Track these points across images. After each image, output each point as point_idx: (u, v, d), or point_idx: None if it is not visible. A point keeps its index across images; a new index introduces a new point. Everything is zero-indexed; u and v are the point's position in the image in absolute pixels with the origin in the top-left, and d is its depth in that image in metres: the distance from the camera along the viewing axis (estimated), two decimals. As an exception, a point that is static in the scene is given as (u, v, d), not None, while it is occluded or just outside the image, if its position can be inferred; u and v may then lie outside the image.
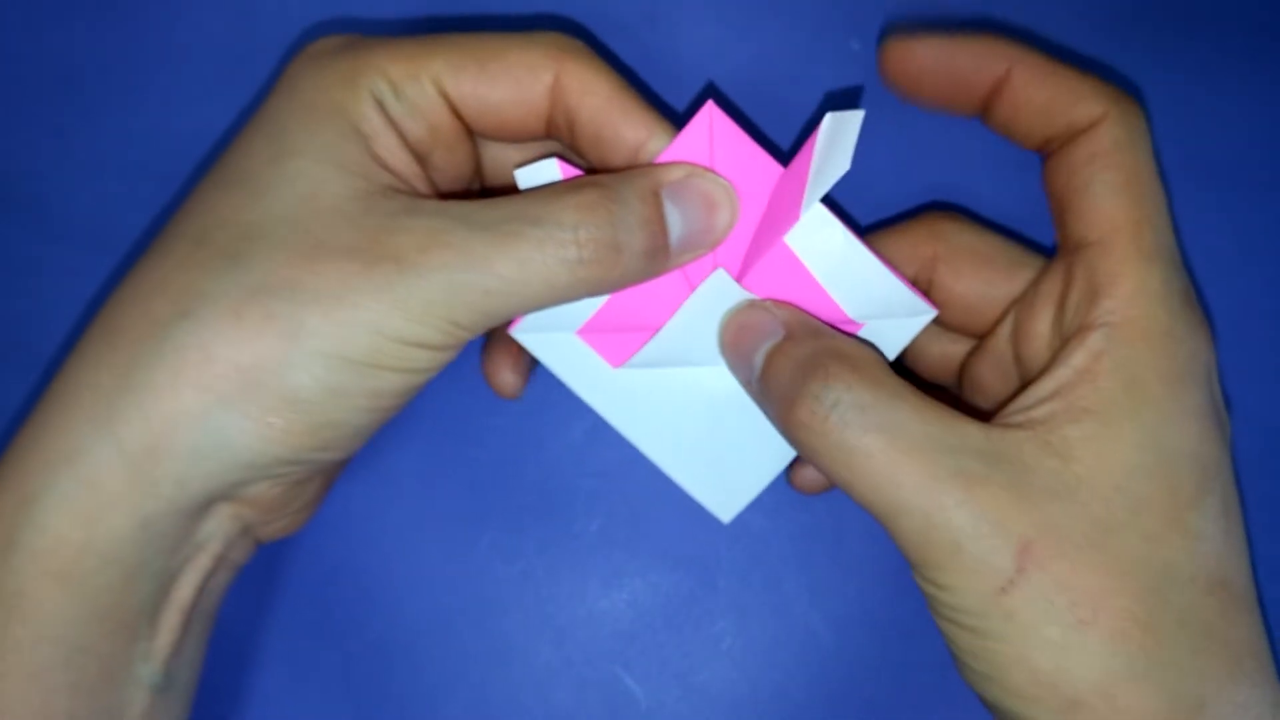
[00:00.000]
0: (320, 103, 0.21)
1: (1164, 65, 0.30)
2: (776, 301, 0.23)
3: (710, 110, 0.23)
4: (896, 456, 0.19)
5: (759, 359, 0.22)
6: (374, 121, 0.21)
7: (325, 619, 0.28)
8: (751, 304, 0.23)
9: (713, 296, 0.23)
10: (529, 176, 0.23)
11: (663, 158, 0.23)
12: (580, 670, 0.27)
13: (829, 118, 0.22)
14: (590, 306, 0.24)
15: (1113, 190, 0.21)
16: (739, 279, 0.23)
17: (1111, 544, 0.19)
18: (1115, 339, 0.20)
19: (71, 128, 0.30)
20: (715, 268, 0.23)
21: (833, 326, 0.23)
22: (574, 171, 0.23)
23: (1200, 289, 0.28)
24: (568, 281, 0.20)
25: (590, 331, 0.24)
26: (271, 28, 0.31)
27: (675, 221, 0.22)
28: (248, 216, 0.20)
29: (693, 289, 0.24)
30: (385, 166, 0.21)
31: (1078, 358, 0.20)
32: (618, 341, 0.24)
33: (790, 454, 0.24)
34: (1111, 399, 0.20)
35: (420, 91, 0.22)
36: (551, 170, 0.23)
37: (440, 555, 0.27)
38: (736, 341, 0.23)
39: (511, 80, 0.22)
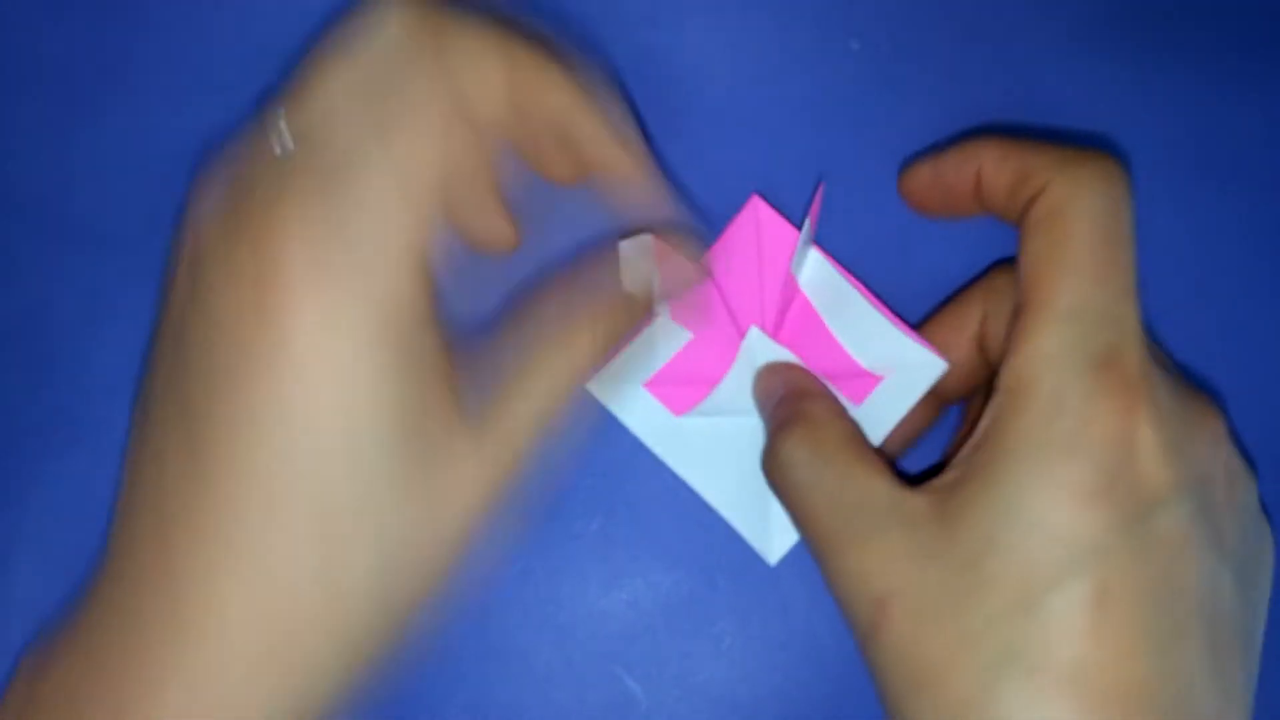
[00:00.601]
0: (363, 332, 0.19)
1: (1164, 66, 0.30)
2: (789, 365, 0.26)
3: (755, 204, 0.28)
4: (810, 509, 0.23)
5: (767, 411, 0.26)
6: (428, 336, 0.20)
7: (325, 619, 0.28)
8: (769, 368, 0.26)
9: (752, 351, 0.27)
10: (629, 249, 0.25)
11: (714, 249, 0.28)
12: (580, 670, 0.27)
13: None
14: (657, 360, 0.27)
15: (1036, 255, 0.21)
16: (776, 336, 0.27)
17: (959, 615, 0.19)
18: (1005, 403, 0.21)
19: (72, 128, 0.30)
20: (751, 325, 0.27)
21: (853, 378, 0.27)
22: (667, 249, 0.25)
23: (1200, 289, 0.28)
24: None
25: (656, 384, 0.28)
26: (273, 29, 0.31)
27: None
28: (359, 486, 0.20)
29: (743, 333, 0.27)
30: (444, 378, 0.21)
31: (984, 420, 0.21)
32: (679, 393, 0.28)
33: None
34: (988, 465, 0.20)
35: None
36: (647, 244, 0.25)
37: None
38: (758, 399, 0.27)
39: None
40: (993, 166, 0.23)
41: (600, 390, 0.28)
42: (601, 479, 0.28)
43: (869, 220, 0.29)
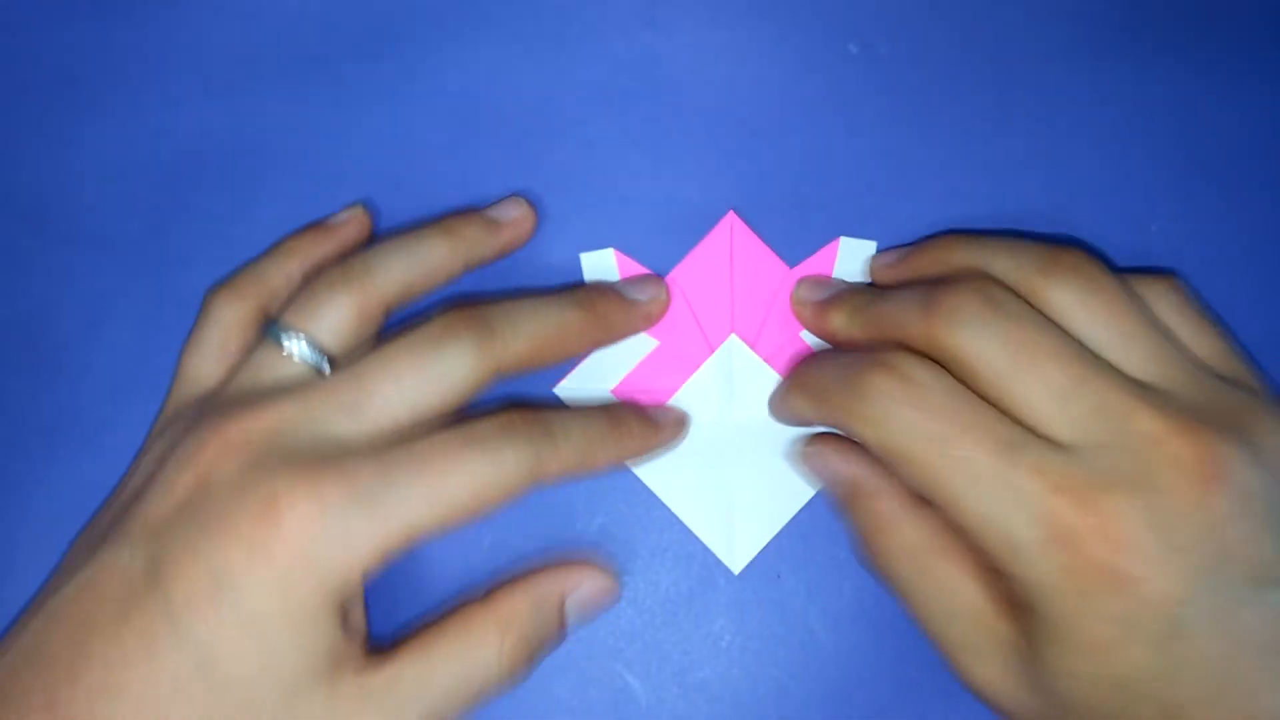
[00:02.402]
0: (310, 609, 0.21)
1: (1161, 68, 0.30)
2: (848, 447, 0.26)
3: (730, 220, 0.29)
4: (913, 610, 0.24)
5: (831, 494, 0.27)
6: (353, 603, 0.23)
7: (327, 617, 0.28)
8: (830, 446, 0.26)
9: (728, 359, 0.28)
10: (592, 261, 0.29)
11: (687, 261, 0.29)
12: (582, 667, 0.27)
13: (844, 242, 0.29)
14: (624, 367, 0.28)
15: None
16: (752, 344, 0.28)
17: None
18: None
19: (74, 129, 0.30)
20: (730, 333, 0.28)
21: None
22: (630, 262, 0.29)
23: (1200, 289, 0.29)
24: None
25: (624, 389, 0.28)
26: (274, 31, 0.31)
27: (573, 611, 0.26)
28: None
29: (711, 348, 0.28)
30: (350, 636, 0.23)
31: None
32: (647, 399, 0.28)
33: (792, 510, 0.28)
34: (1037, 633, 0.22)
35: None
36: (609, 260, 0.29)
37: (443, 554, 0.27)
38: (810, 471, 0.27)
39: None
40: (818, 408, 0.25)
41: (568, 395, 0.28)
42: (602, 477, 0.28)
43: (868, 222, 0.29)
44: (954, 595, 0.23)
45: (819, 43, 0.30)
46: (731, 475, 0.28)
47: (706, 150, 0.30)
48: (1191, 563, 0.20)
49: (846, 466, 0.26)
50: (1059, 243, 0.25)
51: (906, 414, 0.22)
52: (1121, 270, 0.24)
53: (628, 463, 0.27)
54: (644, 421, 0.27)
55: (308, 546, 0.21)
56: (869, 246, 0.29)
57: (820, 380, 0.25)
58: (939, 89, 0.30)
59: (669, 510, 0.28)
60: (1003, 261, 0.24)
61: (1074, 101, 0.30)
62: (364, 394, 0.23)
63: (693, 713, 0.27)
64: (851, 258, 0.29)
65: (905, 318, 0.24)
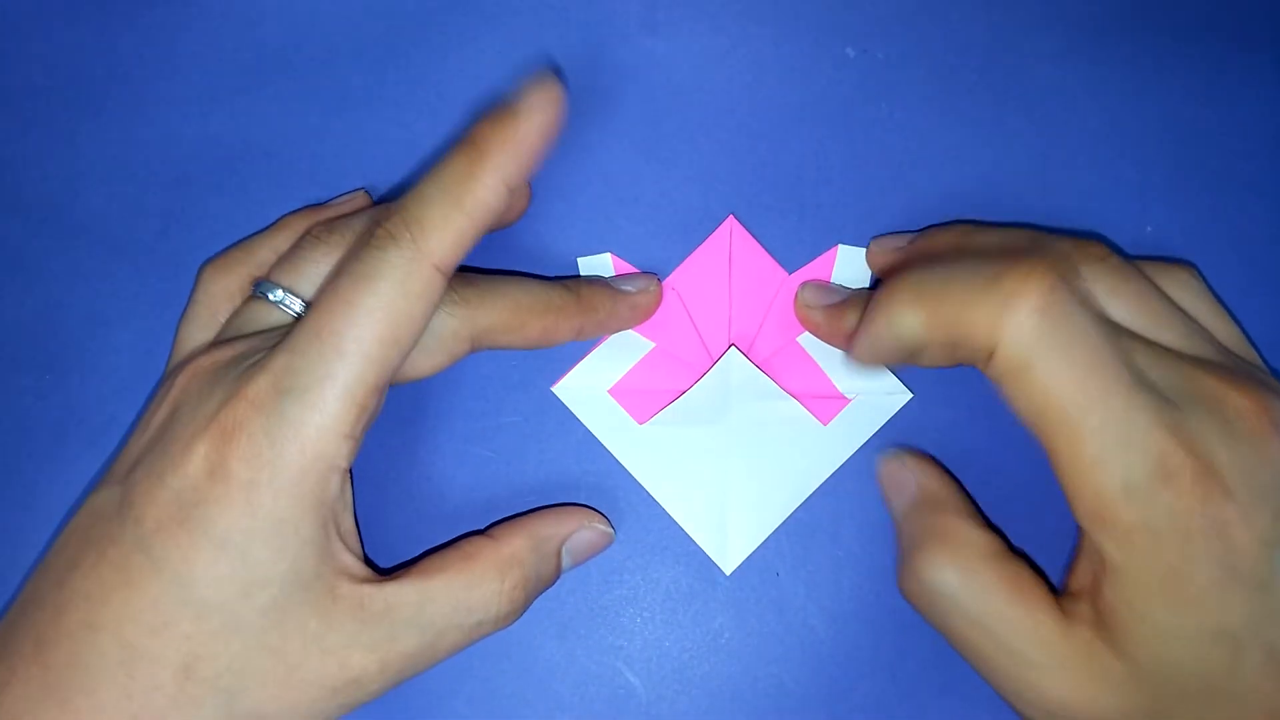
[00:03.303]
0: (286, 520, 0.21)
1: (1157, 70, 0.30)
2: (918, 459, 0.27)
3: (730, 224, 0.29)
4: (966, 638, 0.23)
5: (897, 510, 0.26)
6: (337, 511, 0.22)
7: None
8: (896, 458, 0.27)
9: (728, 368, 0.28)
10: (589, 265, 0.29)
11: (686, 265, 0.29)
12: (582, 664, 0.28)
13: (841, 249, 0.29)
14: (621, 368, 0.28)
15: (1029, 405, 0.21)
16: (748, 353, 0.28)
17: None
18: (1104, 541, 0.22)
19: (81, 132, 0.31)
20: (730, 344, 0.28)
21: (824, 399, 0.28)
22: (627, 267, 0.29)
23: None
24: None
25: (620, 390, 0.28)
26: (278, 34, 0.31)
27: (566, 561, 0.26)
28: (230, 648, 0.21)
29: (713, 360, 0.28)
30: (342, 545, 0.23)
31: (1092, 556, 0.22)
32: (644, 400, 0.28)
33: (785, 514, 0.28)
34: (1127, 601, 0.21)
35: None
36: (606, 264, 0.29)
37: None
38: (885, 486, 0.27)
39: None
40: (930, 318, 0.22)
41: (565, 394, 0.28)
42: (602, 476, 0.28)
43: (866, 225, 0.29)
44: (1025, 608, 0.22)
45: (816, 47, 0.30)
46: (727, 478, 0.28)
47: (705, 154, 0.30)
48: (1274, 508, 0.20)
49: (928, 480, 0.25)
50: (1079, 235, 0.25)
51: (1053, 327, 0.21)
52: (1134, 257, 0.25)
53: (588, 335, 0.27)
54: (609, 292, 0.27)
55: (259, 452, 0.21)
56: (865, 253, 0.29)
57: (936, 278, 0.23)
58: (936, 92, 0.30)
59: (665, 510, 0.28)
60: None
61: (1070, 104, 0.30)
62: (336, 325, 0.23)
63: (692, 709, 0.27)
64: (850, 265, 0.29)
65: (967, 296, 0.22)
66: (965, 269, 0.22)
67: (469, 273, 0.26)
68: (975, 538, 0.24)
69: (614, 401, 0.28)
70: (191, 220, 0.30)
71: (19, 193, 0.30)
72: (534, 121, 0.22)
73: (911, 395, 0.28)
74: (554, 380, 0.29)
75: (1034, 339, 0.21)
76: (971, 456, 0.28)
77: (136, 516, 0.21)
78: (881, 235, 0.29)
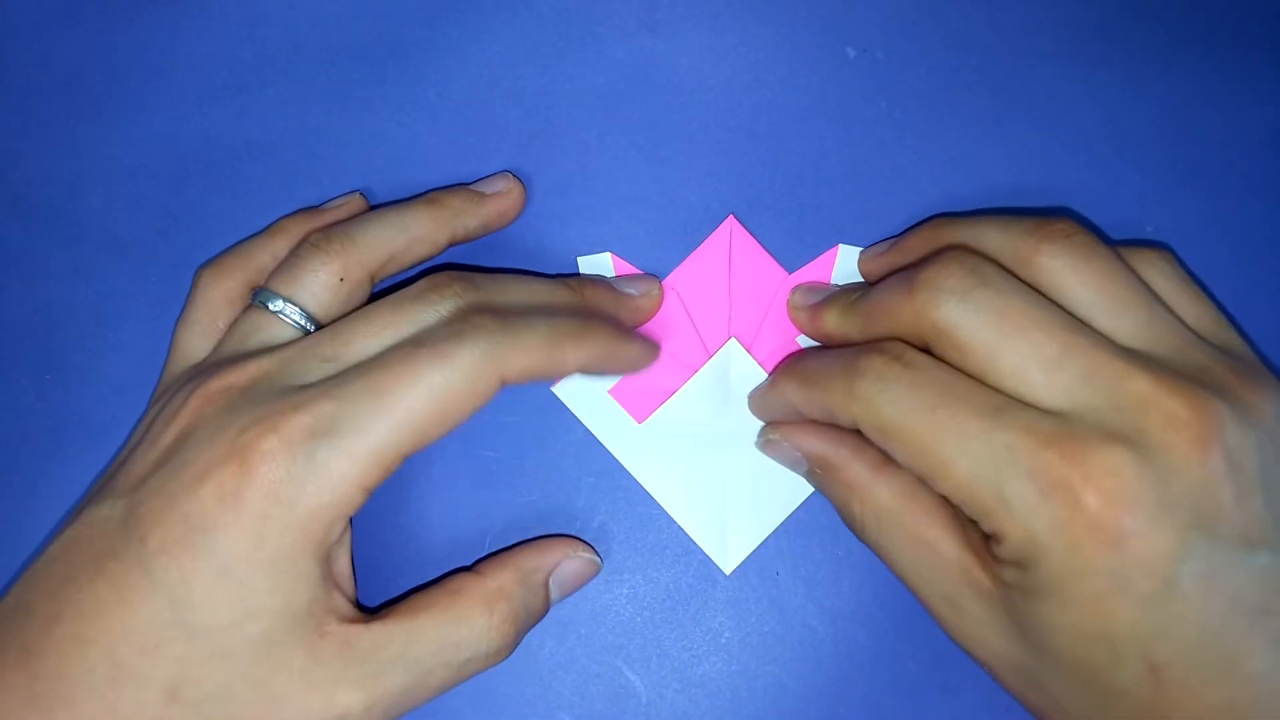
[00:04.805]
0: (288, 556, 0.21)
1: (1155, 71, 0.30)
2: (790, 431, 0.27)
3: (730, 224, 0.29)
4: (897, 571, 0.25)
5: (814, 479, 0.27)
6: (335, 553, 0.23)
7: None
8: (773, 442, 0.27)
9: (726, 363, 0.28)
10: (589, 265, 0.29)
11: (685, 265, 0.29)
12: (583, 663, 0.28)
13: (842, 249, 0.29)
14: None
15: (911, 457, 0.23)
16: (748, 349, 0.28)
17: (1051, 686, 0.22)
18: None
19: (81, 132, 0.31)
20: (730, 338, 0.28)
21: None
22: (627, 266, 0.29)
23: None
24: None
25: (620, 390, 0.28)
26: (278, 35, 0.31)
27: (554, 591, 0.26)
28: (217, 675, 0.21)
29: (709, 351, 0.28)
30: (335, 586, 0.23)
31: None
32: (644, 401, 0.28)
33: (785, 513, 0.28)
34: (1032, 585, 0.21)
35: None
36: (606, 263, 0.29)
37: (446, 552, 0.28)
38: (783, 464, 0.27)
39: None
40: (806, 397, 0.25)
41: (565, 394, 0.29)
42: (603, 476, 0.28)
43: (865, 225, 0.29)
44: (931, 550, 0.23)
45: (817, 47, 0.30)
46: (726, 477, 0.28)
47: (705, 154, 0.30)
48: (1184, 520, 0.20)
49: (811, 442, 0.26)
50: (1049, 213, 0.25)
51: (898, 389, 0.22)
52: (1114, 242, 0.25)
53: (601, 370, 0.25)
54: (614, 329, 0.26)
55: (278, 488, 0.21)
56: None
57: (813, 366, 0.25)
58: (935, 93, 0.30)
59: (665, 509, 0.28)
60: (993, 235, 0.24)
61: (1069, 105, 0.30)
62: (341, 345, 0.23)
63: (692, 709, 0.27)
64: (850, 265, 0.29)
65: (892, 302, 0.24)
66: (835, 359, 0.24)
67: (465, 269, 0.25)
68: (877, 484, 0.24)
69: (614, 401, 0.28)
70: (191, 220, 0.30)
71: (19, 193, 0.30)
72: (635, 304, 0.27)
73: None
74: (552, 381, 0.29)
75: (879, 403, 0.22)
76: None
77: (141, 535, 0.21)
78: (869, 246, 0.29)
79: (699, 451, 0.28)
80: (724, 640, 0.28)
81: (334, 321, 0.24)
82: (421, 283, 0.24)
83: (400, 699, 0.23)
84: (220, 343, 0.25)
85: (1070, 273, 0.23)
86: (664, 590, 0.28)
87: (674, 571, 0.28)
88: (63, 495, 0.29)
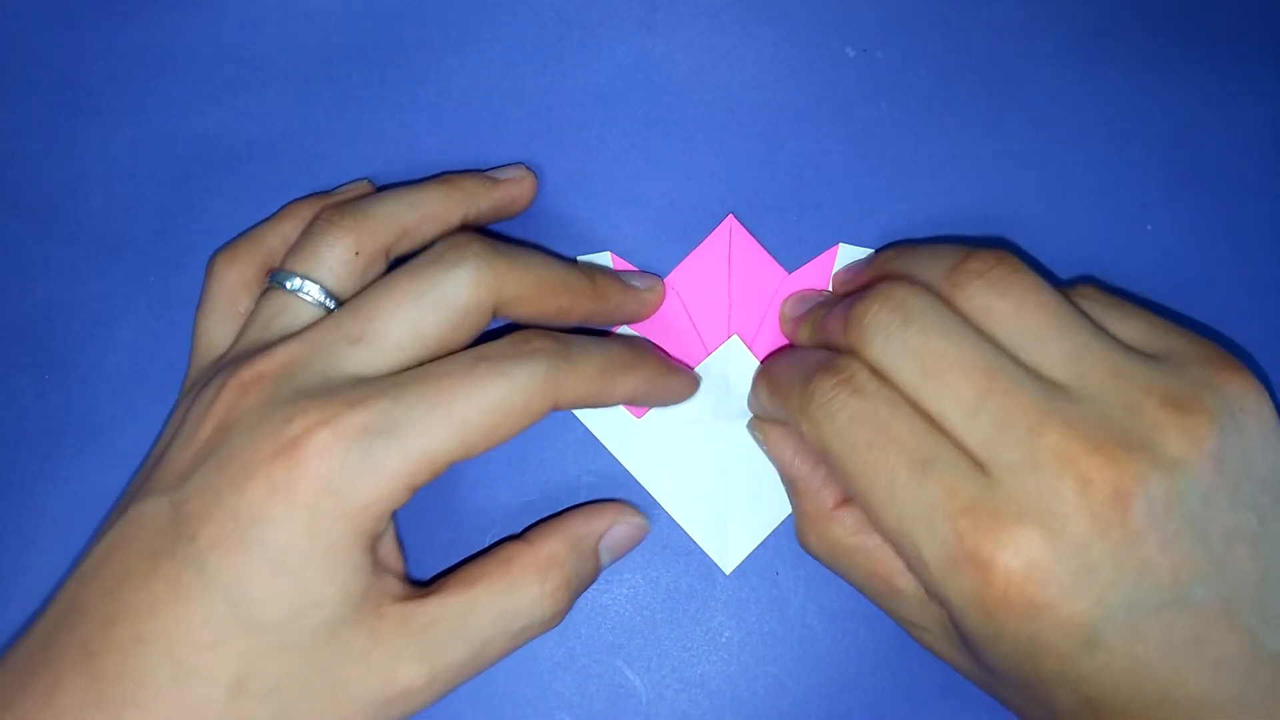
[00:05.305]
0: (342, 546, 0.21)
1: (1154, 72, 0.30)
2: (774, 433, 0.27)
3: (729, 224, 0.29)
4: (863, 591, 0.26)
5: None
6: (384, 537, 0.23)
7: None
8: (759, 435, 0.27)
9: (726, 360, 0.28)
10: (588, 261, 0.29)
11: (685, 264, 0.29)
12: (582, 663, 0.28)
13: (842, 248, 0.29)
14: None
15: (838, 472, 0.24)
16: (749, 346, 0.29)
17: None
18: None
19: (81, 131, 0.31)
20: (731, 335, 0.29)
21: None
22: (627, 266, 0.29)
23: (1193, 290, 0.29)
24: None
25: None
26: (278, 34, 0.31)
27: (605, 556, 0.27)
28: (280, 667, 0.21)
29: (709, 351, 0.28)
30: (386, 569, 0.23)
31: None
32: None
33: (784, 513, 0.28)
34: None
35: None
36: (606, 263, 0.29)
37: (446, 552, 0.28)
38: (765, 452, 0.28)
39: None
40: (771, 400, 0.26)
41: None
42: (603, 477, 0.28)
43: (865, 225, 0.29)
44: (887, 584, 0.24)
45: (816, 46, 0.30)
46: (726, 476, 0.28)
47: (705, 154, 0.30)
48: (1105, 580, 0.20)
49: (787, 457, 0.26)
50: (983, 243, 0.25)
51: (842, 420, 0.22)
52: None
53: (644, 402, 0.26)
54: (662, 360, 0.27)
55: (330, 480, 0.21)
56: (866, 255, 0.29)
57: (778, 375, 0.26)
58: (935, 93, 0.30)
59: (665, 510, 0.28)
60: (924, 266, 0.24)
61: (1069, 104, 0.30)
62: (365, 320, 0.23)
63: (692, 709, 0.27)
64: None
65: (835, 333, 0.24)
66: (799, 369, 0.25)
67: (493, 236, 0.25)
68: (842, 527, 0.25)
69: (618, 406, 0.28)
70: (191, 219, 0.30)
71: (19, 193, 0.30)
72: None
73: None
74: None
75: (823, 430, 0.23)
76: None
77: (191, 533, 0.21)
78: (844, 268, 0.29)
79: (698, 450, 0.28)
80: (724, 640, 0.28)
81: (352, 298, 0.24)
82: (438, 245, 0.24)
83: (459, 670, 0.23)
84: (243, 329, 0.25)
85: (988, 312, 0.22)
86: (664, 590, 0.28)
87: (674, 571, 0.28)
88: (62, 495, 0.29)
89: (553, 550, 0.25)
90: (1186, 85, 0.30)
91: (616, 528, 0.26)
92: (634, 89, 0.30)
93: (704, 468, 0.28)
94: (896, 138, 0.30)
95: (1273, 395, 0.22)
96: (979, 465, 0.21)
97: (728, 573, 0.28)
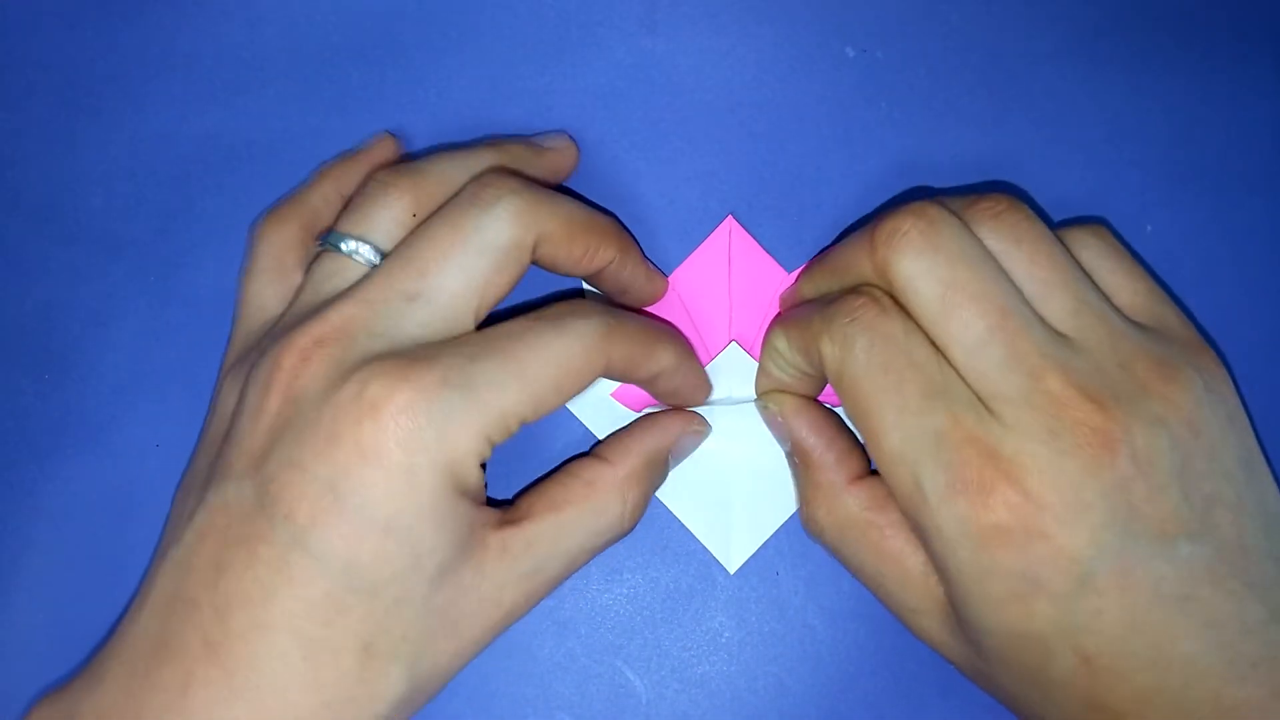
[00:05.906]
0: (443, 495, 0.22)
1: (1154, 72, 0.30)
2: (790, 405, 0.27)
3: (729, 224, 0.29)
4: (852, 571, 0.26)
5: (784, 453, 0.28)
6: (474, 479, 0.23)
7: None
8: (774, 407, 0.27)
9: (726, 363, 0.28)
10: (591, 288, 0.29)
11: (687, 265, 0.29)
12: (582, 663, 0.28)
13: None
14: None
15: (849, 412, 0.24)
16: (748, 349, 0.29)
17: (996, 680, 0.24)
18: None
19: (81, 132, 0.31)
20: (730, 341, 0.29)
21: (824, 395, 0.28)
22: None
23: (1193, 290, 0.29)
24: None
25: (622, 392, 0.28)
26: (278, 35, 0.31)
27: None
28: (404, 620, 0.22)
29: (709, 352, 0.29)
30: (477, 503, 0.23)
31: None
32: (643, 397, 0.28)
33: (789, 511, 0.28)
34: (951, 579, 0.23)
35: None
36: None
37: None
38: (770, 429, 0.28)
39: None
40: (791, 339, 0.26)
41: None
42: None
43: (866, 224, 0.29)
44: (896, 562, 0.24)
45: (817, 47, 0.30)
46: (729, 476, 0.28)
47: (705, 154, 0.30)
48: (1097, 519, 0.20)
49: (802, 426, 0.26)
50: (987, 189, 0.25)
51: (868, 336, 0.23)
52: (1055, 224, 0.25)
53: (677, 382, 0.26)
54: (689, 344, 0.27)
55: (419, 436, 0.21)
56: None
57: (794, 315, 0.26)
58: (935, 93, 0.30)
59: (669, 508, 0.28)
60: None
61: (1069, 104, 0.30)
62: (417, 276, 0.23)
63: (692, 709, 0.27)
64: None
65: (856, 254, 0.24)
66: (818, 305, 0.25)
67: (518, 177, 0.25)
68: (855, 500, 0.25)
69: (614, 401, 0.28)
70: (191, 219, 0.30)
71: (19, 193, 0.30)
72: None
73: None
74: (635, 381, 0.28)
75: (848, 346, 0.23)
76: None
77: (286, 513, 0.21)
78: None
79: (701, 449, 0.28)
80: (724, 640, 0.28)
81: (396, 252, 0.24)
82: (470, 185, 0.24)
83: (553, 585, 0.24)
84: (297, 294, 0.25)
85: (1007, 254, 0.23)
86: (664, 590, 0.28)
87: (674, 571, 0.28)
88: (62, 495, 0.29)
89: (631, 468, 0.25)
90: (1186, 85, 0.30)
91: (685, 437, 0.27)
92: (634, 89, 0.30)
93: (706, 467, 0.28)
94: (896, 138, 0.30)
95: (1274, 392, 0.22)
96: (981, 400, 0.22)
97: (732, 572, 0.28)
